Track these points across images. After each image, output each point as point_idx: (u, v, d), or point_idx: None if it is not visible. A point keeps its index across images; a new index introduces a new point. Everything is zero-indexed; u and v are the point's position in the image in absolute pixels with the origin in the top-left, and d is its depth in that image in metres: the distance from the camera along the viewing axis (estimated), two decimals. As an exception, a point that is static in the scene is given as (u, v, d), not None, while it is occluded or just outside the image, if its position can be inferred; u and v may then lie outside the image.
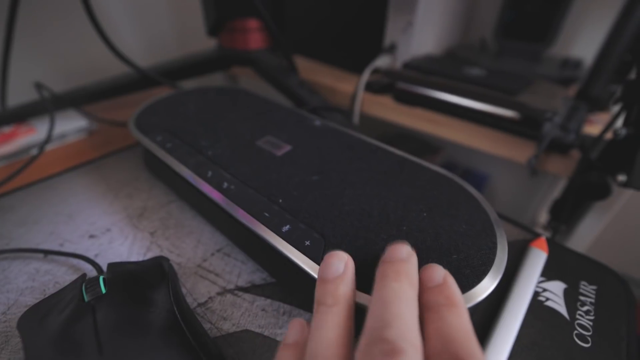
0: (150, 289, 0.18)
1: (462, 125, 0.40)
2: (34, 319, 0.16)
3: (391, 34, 0.47)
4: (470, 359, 0.12)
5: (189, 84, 0.41)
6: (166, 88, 0.43)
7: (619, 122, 0.32)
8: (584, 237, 0.43)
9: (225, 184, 0.23)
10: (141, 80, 0.40)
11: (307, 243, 0.18)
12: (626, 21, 0.36)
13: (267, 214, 0.20)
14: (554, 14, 0.47)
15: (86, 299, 0.16)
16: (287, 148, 0.26)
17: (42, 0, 0.43)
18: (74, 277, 0.22)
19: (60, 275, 0.22)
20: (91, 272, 0.22)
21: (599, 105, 0.43)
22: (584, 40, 0.53)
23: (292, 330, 0.15)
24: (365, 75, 0.44)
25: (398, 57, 0.48)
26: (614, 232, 0.68)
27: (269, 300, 0.21)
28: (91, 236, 0.25)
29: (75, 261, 0.23)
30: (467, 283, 0.16)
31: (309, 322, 0.15)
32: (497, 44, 0.52)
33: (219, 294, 0.21)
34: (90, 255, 0.23)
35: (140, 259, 0.23)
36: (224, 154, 0.25)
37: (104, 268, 0.22)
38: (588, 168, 0.34)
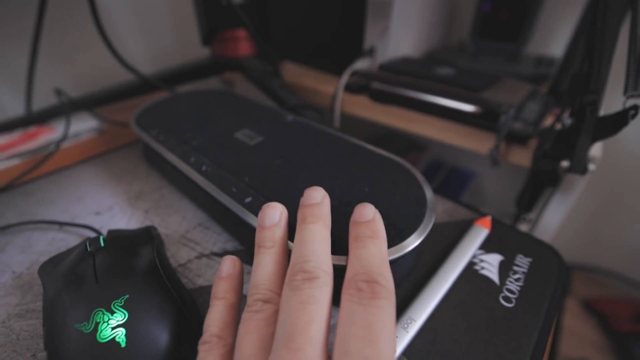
0: (138, 245, 0.23)
1: (432, 121, 0.44)
2: (50, 265, 0.21)
3: (370, 38, 0.51)
4: (380, 278, 0.15)
5: (186, 88, 0.46)
6: (166, 92, 0.48)
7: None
8: (549, 227, 0.46)
9: (204, 167, 0.27)
10: (144, 85, 0.45)
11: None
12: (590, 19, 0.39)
13: (234, 189, 0.25)
14: (524, 14, 0.50)
15: (89, 250, 0.21)
16: (260, 139, 0.30)
17: (58, 17, 0.49)
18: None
19: (72, 242, 0.27)
20: (95, 240, 0.27)
21: (566, 102, 0.46)
22: (558, 39, 0.56)
23: (225, 264, 0.19)
24: (345, 77, 0.49)
25: (376, 60, 0.52)
26: (576, 225, 0.71)
27: (236, 262, 0.25)
28: (97, 213, 0.30)
29: (84, 231, 0.28)
30: (390, 242, 0.20)
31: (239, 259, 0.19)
32: (474, 44, 0.56)
33: (196, 257, 0.26)
34: (96, 226, 0.28)
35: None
36: (206, 144, 0.30)
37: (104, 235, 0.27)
38: (542, 157, 0.37)
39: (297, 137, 0.31)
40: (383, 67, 0.47)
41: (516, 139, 0.39)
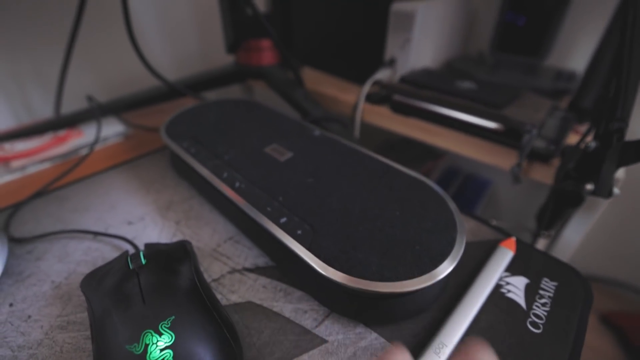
0: (176, 262, 0.23)
1: (452, 135, 0.44)
2: (93, 281, 0.22)
3: (391, 50, 0.51)
4: None
5: (210, 95, 0.47)
6: (190, 99, 0.49)
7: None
8: (569, 243, 0.46)
9: (237, 184, 0.28)
10: (169, 92, 0.46)
11: (299, 232, 0.23)
12: (614, 34, 0.39)
13: (269, 209, 0.25)
14: (546, 28, 0.50)
15: (131, 267, 0.22)
16: (289, 155, 0.31)
17: (91, 24, 0.50)
18: (117, 254, 0.28)
19: (107, 252, 0.28)
20: (130, 250, 0.28)
21: (589, 117, 0.46)
22: (579, 52, 0.55)
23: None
24: (366, 87, 0.49)
25: (397, 70, 0.52)
26: (596, 238, 0.71)
27: (268, 280, 0.26)
28: (129, 223, 0.31)
29: (118, 242, 0.29)
30: (425, 268, 0.21)
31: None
32: (493, 57, 0.56)
33: (229, 272, 0.27)
34: (129, 237, 0.29)
35: (168, 241, 0.29)
36: (237, 158, 0.31)
37: (141, 247, 0.28)
38: (565, 177, 0.37)
39: (325, 153, 0.31)
40: (404, 80, 0.47)
41: (538, 157, 0.39)
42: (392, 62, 0.52)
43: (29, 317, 0.23)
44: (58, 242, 0.29)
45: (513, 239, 0.30)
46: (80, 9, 0.37)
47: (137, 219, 0.31)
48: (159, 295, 0.20)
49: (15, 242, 0.29)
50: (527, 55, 0.52)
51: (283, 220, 0.24)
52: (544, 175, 0.40)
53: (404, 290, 0.20)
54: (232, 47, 0.47)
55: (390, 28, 0.50)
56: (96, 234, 0.29)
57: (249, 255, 0.28)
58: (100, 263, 0.27)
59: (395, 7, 0.48)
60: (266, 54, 0.46)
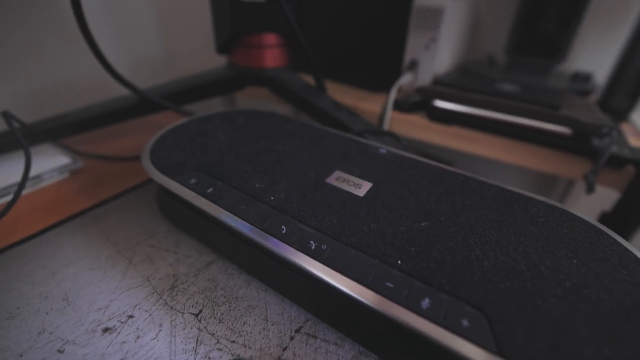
0: None
1: (500, 142, 0.37)
2: None
3: (412, 51, 0.44)
4: None
5: (190, 109, 0.35)
6: (164, 115, 0.36)
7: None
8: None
9: (313, 243, 0.16)
10: (138, 105, 0.33)
11: (465, 324, 0.13)
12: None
13: (389, 284, 0.14)
14: (566, 30, 0.47)
15: None
16: (368, 186, 0.20)
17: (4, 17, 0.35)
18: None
19: (73, 405, 0.14)
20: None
21: (619, 117, 0.43)
22: (588, 54, 0.54)
23: None
24: (393, 94, 0.41)
25: (419, 74, 0.45)
26: None
27: (396, 406, 0.15)
28: (106, 330, 0.17)
29: (93, 376, 0.15)
30: None
31: None
32: (507, 59, 0.51)
33: (323, 405, 0.15)
34: (114, 362, 0.16)
35: (192, 359, 0.16)
36: (292, 199, 0.19)
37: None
38: None
39: (413, 179, 0.21)
40: (439, 83, 0.40)
41: (613, 162, 0.34)
42: (413, 66, 0.44)
43: None
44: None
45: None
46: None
47: (119, 318, 0.18)
48: None
49: None
50: (546, 58, 0.48)
51: (426, 303, 0.14)
52: (614, 181, 0.35)
53: None
54: (225, 45, 0.35)
55: (412, 27, 0.42)
56: (44, 364, 0.15)
57: (340, 356, 0.17)
58: None
59: (420, 2, 0.40)
60: (272, 52, 0.35)
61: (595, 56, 0.54)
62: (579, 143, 0.34)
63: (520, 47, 0.50)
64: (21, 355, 0.16)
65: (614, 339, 0.12)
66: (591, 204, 0.48)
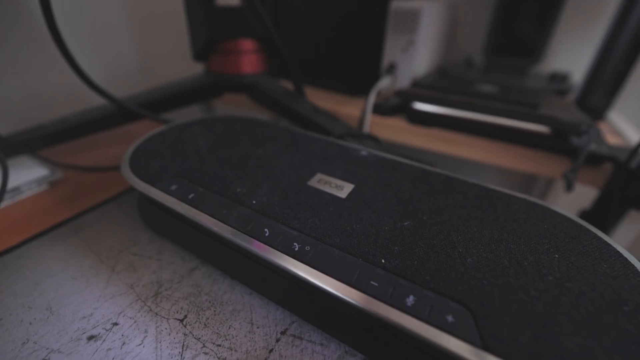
0: None
1: (481, 143, 0.39)
2: None
3: (390, 55, 0.45)
4: None
5: (168, 117, 0.35)
6: (146, 123, 0.36)
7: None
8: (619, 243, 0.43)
9: (296, 245, 0.17)
10: (115, 114, 0.32)
11: (450, 319, 0.13)
12: (620, 31, 0.38)
13: (374, 283, 0.15)
14: (543, 31, 0.49)
15: None
16: (350, 187, 0.21)
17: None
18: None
19: (57, 417, 0.14)
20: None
21: (597, 115, 0.45)
22: (565, 54, 0.56)
23: None
24: (372, 98, 0.42)
25: (398, 77, 0.46)
26: None
27: (382, 401, 0.15)
28: (91, 337, 0.17)
29: (77, 386, 0.15)
30: None
31: None
32: (485, 60, 0.53)
33: (309, 402, 0.15)
34: (99, 371, 0.16)
35: (178, 364, 0.16)
36: (274, 202, 0.20)
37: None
38: (630, 179, 0.33)
39: (395, 180, 0.22)
40: (419, 85, 0.41)
41: (591, 160, 0.35)
42: (392, 69, 0.45)
43: None
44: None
45: None
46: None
47: (104, 326, 0.18)
48: None
49: None
50: (523, 58, 0.50)
51: (410, 300, 0.14)
52: (592, 178, 0.37)
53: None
54: (202, 52, 0.35)
55: (389, 30, 0.43)
56: (26, 377, 0.15)
57: (326, 357, 0.17)
58: None
59: (397, 4, 0.41)
60: (248, 58, 0.35)
61: (572, 56, 0.56)
62: (558, 142, 0.36)
63: (497, 48, 0.52)
64: (3, 367, 0.16)
65: (596, 330, 0.13)
66: (570, 203, 0.50)
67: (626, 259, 0.16)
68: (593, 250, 0.17)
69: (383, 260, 0.16)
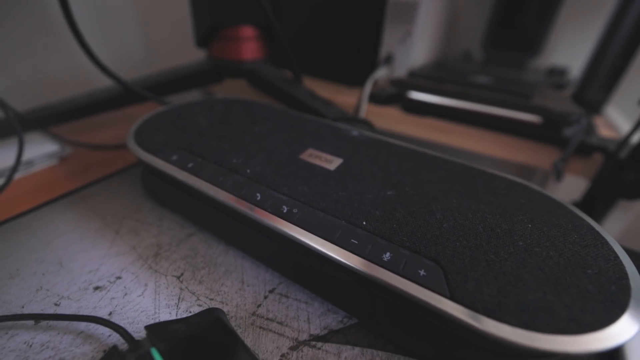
0: (218, 352, 0.13)
1: (474, 133, 0.40)
2: None
3: (388, 45, 0.46)
4: None
5: (173, 100, 0.36)
6: (144, 106, 0.37)
7: None
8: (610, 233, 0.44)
9: (285, 207, 0.18)
10: (120, 96, 0.34)
11: (422, 273, 0.15)
12: (618, 26, 0.39)
13: (354, 241, 0.16)
14: (542, 25, 0.49)
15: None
16: (339, 161, 0.22)
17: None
18: (85, 349, 0.16)
19: (65, 349, 0.16)
20: (110, 338, 0.16)
21: (593, 109, 0.46)
22: (564, 49, 0.57)
23: None
24: (368, 87, 0.43)
25: (395, 68, 0.47)
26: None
27: (357, 349, 0.17)
28: (97, 288, 0.19)
29: (84, 325, 0.17)
30: (620, 302, 0.14)
31: None
32: (484, 54, 0.54)
33: (292, 348, 0.17)
34: (103, 314, 0.17)
35: (174, 312, 0.18)
36: (267, 171, 0.21)
37: (133, 330, 0.16)
38: (619, 169, 0.34)
39: (384, 157, 0.23)
40: (415, 75, 0.42)
41: (582, 150, 0.36)
42: (389, 59, 0.46)
43: None
44: (-40, 345, 0.16)
45: None
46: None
47: (109, 279, 0.20)
48: None
49: None
50: (522, 52, 0.51)
51: (387, 256, 0.16)
52: (583, 168, 0.38)
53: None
54: (204, 38, 0.37)
55: (388, 20, 0.44)
56: (38, 317, 0.17)
57: (310, 314, 0.19)
58: (55, 374, 0.15)
59: (395, -4, 0.43)
60: (249, 45, 0.37)
61: (571, 50, 0.56)
62: (549, 131, 0.37)
63: (496, 42, 0.52)
64: (22, 307, 0.17)
65: (558, 288, 0.14)
66: (565, 196, 0.50)
67: (598, 232, 0.17)
68: (566, 223, 0.18)
69: (364, 222, 0.17)
